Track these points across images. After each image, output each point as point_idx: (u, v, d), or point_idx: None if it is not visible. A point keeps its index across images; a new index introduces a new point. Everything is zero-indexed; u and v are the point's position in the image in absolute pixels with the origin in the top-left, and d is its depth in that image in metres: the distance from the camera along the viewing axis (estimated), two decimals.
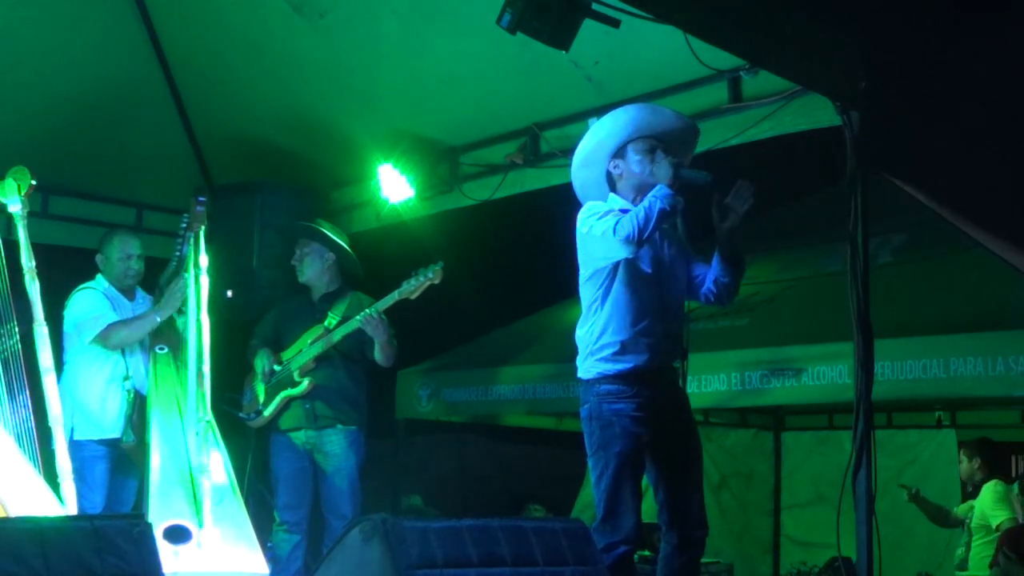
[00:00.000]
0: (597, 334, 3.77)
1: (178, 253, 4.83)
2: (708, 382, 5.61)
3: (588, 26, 3.63)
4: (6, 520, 3.72)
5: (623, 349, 3.73)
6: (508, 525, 3.08)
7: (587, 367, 3.81)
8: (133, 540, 2.57)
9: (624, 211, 3.73)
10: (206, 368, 4.63)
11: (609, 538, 3.64)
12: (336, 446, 5.23)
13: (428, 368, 7.31)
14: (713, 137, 4.63)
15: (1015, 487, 6.30)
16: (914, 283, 5.60)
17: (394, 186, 5.87)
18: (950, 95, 3.85)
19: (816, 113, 4.31)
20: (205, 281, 4.66)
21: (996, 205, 3.85)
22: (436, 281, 5.02)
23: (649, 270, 3.79)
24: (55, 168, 5.70)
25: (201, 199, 4.74)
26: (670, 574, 3.77)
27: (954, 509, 6.62)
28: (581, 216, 3.80)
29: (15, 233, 4.30)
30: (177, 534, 4.30)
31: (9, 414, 4.16)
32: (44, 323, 4.26)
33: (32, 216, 4.44)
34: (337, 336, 5.21)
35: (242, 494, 4.68)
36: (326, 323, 5.29)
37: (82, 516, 3.95)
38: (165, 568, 2.84)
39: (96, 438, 4.84)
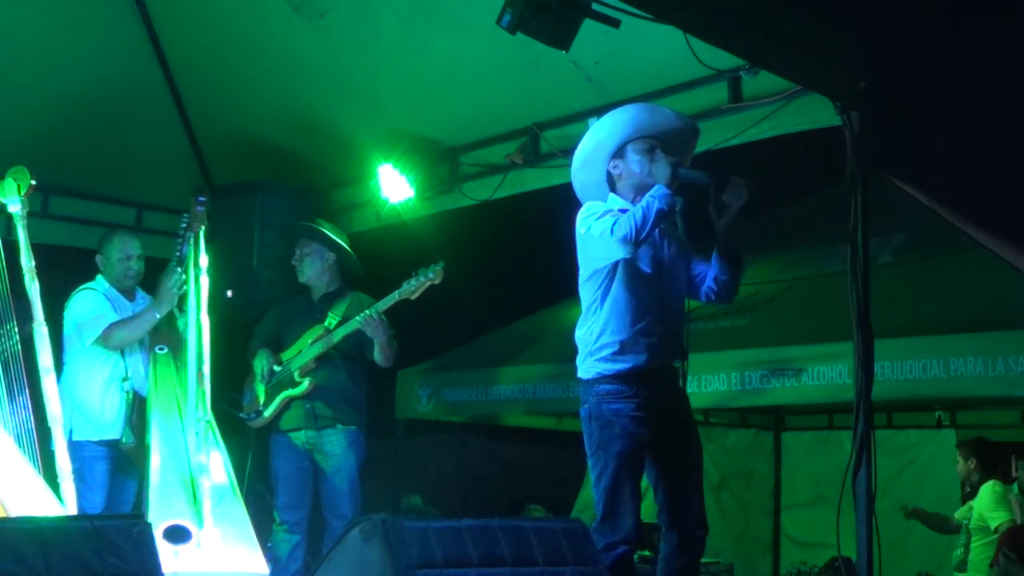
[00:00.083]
0: (596, 334, 3.78)
1: (178, 253, 4.82)
2: (708, 382, 5.61)
3: (588, 26, 3.63)
4: (6, 520, 3.72)
5: (622, 349, 3.73)
6: (508, 525, 3.08)
7: (586, 367, 3.81)
8: (133, 540, 2.57)
9: (623, 211, 3.73)
10: (206, 368, 4.63)
11: (608, 538, 3.64)
12: (336, 446, 5.23)
13: (428, 368, 7.31)
14: (713, 137, 4.63)
15: (1015, 488, 6.31)
16: (914, 283, 5.60)
17: (394, 186, 5.87)
18: (950, 95, 3.85)
19: (816, 113, 4.31)
20: (205, 281, 4.66)
21: (996, 205, 3.85)
22: (436, 281, 5.02)
23: (648, 270, 3.79)
24: (55, 168, 5.70)
25: (201, 199, 4.74)
26: (670, 574, 3.77)
27: (954, 514, 6.61)
28: (580, 216, 3.80)
29: (15, 233, 4.30)
30: (177, 534, 4.30)
31: (9, 414, 4.16)
32: (44, 323, 4.26)
33: (32, 216, 4.44)
34: (337, 336, 5.21)
35: (242, 494, 4.68)
36: (326, 323, 5.29)
37: (82, 516, 3.94)
38: (165, 568, 2.84)
39: (95, 439, 4.83)
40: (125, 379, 4.90)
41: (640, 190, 3.74)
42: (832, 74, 3.78)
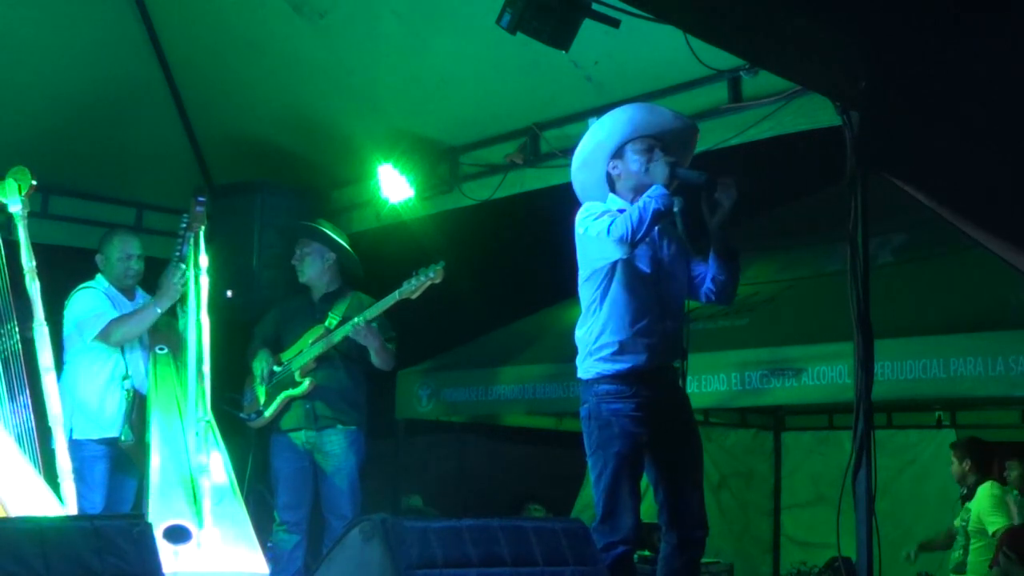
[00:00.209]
0: (596, 334, 3.78)
1: (178, 253, 4.83)
2: (708, 382, 5.61)
3: (588, 26, 3.63)
4: (6, 520, 3.72)
5: (622, 349, 3.73)
6: (508, 525, 3.08)
7: (586, 367, 3.81)
8: (133, 540, 2.57)
9: (622, 211, 3.72)
10: (206, 368, 4.63)
11: (608, 538, 3.64)
12: (336, 446, 5.23)
13: (428, 368, 7.31)
14: (713, 137, 4.63)
15: (1014, 491, 6.29)
16: (914, 283, 5.60)
17: (394, 186, 5.86)
18: (950, 95, 3.85)
19: (816, 113, 4.31)
20: (205, 281, 4.66)
21: (996, 205, 3.85)
22: (437, 281, 5.02)
23: (648, 270, 3.79)
24: (55, 168, 5.70)
25: (201, 199, 4.74)
26: (670, 574, 3.77)
27: (953, 522, 6.59)
28: (578, 217, 3.80)
29: (15, 233, 4.30)
30: (177, 534, 4.30)
31: (9, 414, 4.16)
32: (44, 323, 4.26)
33: (32, 216, 4.44)
34: (337, 336, 5.21)
35: (242, 494, 4.68)
36: (327, 323, 5.29)
37: (82, 516, 3.94)
38: (165, 568, 2.84)
39: (95, 437, 4.84)
40: (125, 377, 4.90)
41: (639, 190, 3.74)
42: (832, 74, 3.78)
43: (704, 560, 4.03)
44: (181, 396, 4.74)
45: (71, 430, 4.63)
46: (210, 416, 4.66)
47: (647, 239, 3.69)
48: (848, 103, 3.75)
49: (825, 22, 3.72)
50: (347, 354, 5.31)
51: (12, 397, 4.16)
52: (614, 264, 3.74)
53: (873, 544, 3.64)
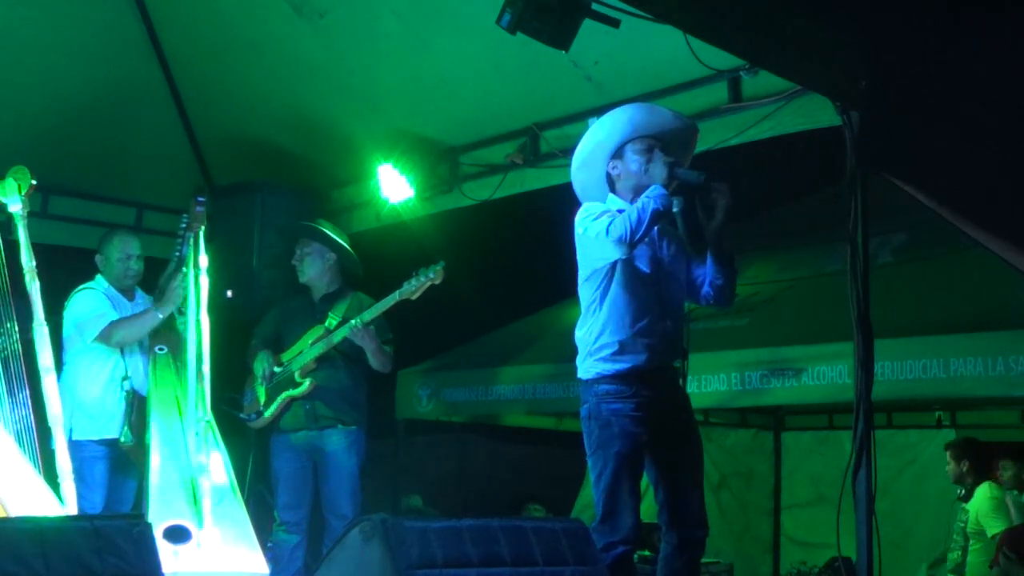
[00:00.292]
0: (596, 334, 3.77)
1: (178, 253, 4.83)
2: (708, 382, 5.61)
3: (588, 26, 3.63)
4: (6, 520, 3.72)
5: (621, 349, 3.73)
6: (508, 525, 3.08)
7: (586, 367, 3.81)
8: (133, 540, 2.57)
9: (621, 211, 3.72)
10: (206, 368, 4.63)
11: (608, 538, 3.63)
12: (336, 446, 5.23)
13: (428, 368, 7.31)
14: (713, 137, 4.62)
15: (1014, 492, 6.29)
16: (914, 283, 5.60)
17: (394, 186, 5.86)
18: (950, 95, 3.85)
19: (816, 113, 4.31)
20: (205, 281, 4.66)
21: (996, 205, 3.85)
22: (437, 281, 5.02)
23: (647, 270, 3.79)
24: (55, 168, 5.70)
25: (201, 199, 4.74)
26: (670, 574, 3.77)
27: (954, 526, 6.59)
28: (578, 217, 3.80)
29: (15, 233, 4.31)
30: (177, 534, 4.30)
31: (9, 414, 4.16)
32: (44, 323, 4.26)
33: (32, 216, 4.44)
34: (338, 337, 5.21)
35: (242, 494, 4.68)
36: (327, 323, 5.29)
37: (82, 516, 3.94)
38: (165, 568, 2.84)
39: (95, 438, 4.84)
40: (125, 378, 4.90)
41: (638, 190, 3.74)
42: (832, 74, 3.78)
43: (704, 560, 4.03)
44: (181, 396, 4.74)
45: (71, 430, 4.63)
46: (210, 416, 4.67)
47: (646, 239, 3.69)
48: (848, 103, 3.75)
49: (825, 22, 3.72)
50: (347, 354, 5.31)
51: (12, 397, 4.16)
52: (614, 264, 3.74)
53: (873, 544, 3.64)
